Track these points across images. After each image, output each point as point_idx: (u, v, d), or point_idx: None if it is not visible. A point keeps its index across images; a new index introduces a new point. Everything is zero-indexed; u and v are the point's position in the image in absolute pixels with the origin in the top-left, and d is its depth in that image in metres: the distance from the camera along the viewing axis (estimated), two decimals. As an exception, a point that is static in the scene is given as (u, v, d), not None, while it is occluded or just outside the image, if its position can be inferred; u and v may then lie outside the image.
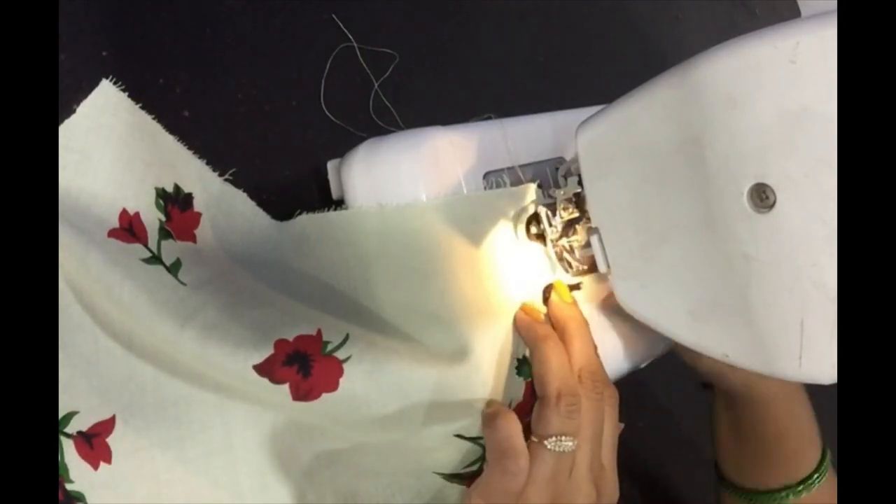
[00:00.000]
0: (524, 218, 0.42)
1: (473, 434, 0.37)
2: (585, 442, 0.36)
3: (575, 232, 0.40)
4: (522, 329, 0.39)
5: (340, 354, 0.35)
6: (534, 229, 0.42)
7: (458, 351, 0.37)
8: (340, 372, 0.35)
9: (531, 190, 0.41)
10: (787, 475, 0.47)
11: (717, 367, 0.45)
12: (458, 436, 0.38)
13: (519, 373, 0.39)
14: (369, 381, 0.35)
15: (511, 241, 0.41)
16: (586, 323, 0.40)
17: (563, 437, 0.35)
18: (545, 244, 0.41)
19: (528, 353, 0.39)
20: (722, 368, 0.45)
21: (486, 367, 0.37)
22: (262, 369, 0.34)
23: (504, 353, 0.39)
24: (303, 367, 0.35)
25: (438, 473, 0.39)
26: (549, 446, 0.35)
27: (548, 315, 0.40)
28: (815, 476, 0.46)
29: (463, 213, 0.39)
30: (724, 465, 0.51)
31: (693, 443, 0.69)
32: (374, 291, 0.40)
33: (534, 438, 0.35)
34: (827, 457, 0.47)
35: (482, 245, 0.40)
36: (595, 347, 0.39)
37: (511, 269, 0.40)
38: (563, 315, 0.40)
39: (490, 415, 0.35)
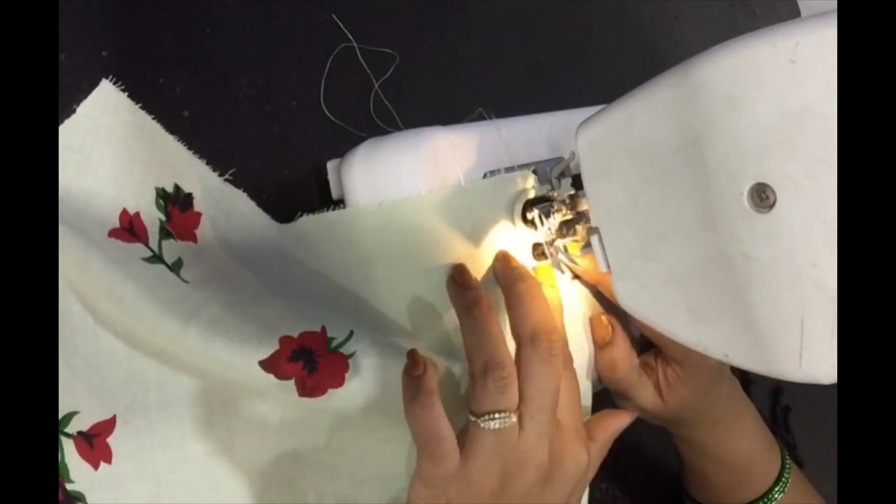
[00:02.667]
0: (519, 209, 0.41)
1: None
2: (537, 411, 0.34)
3: (574, 232, 0.40)
4: (451, 298, 0.37)
5: (346, 350, 0.35)
6: (529, 215, 0.41)
7: (459, 347, 0.37)
8: (346, 367, 0.35)
9: (528, 177, 0.41)
10: (737, 498, 0.45)
11: (639, 408, 0.43)
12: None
13: None
14: (374, 377, 0.35)
15: (510, 234, 0.41)
16: (537, 283, 0.38)
17: (496, 414, 0.33)
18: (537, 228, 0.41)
19: None
20: (646, 411, 0.43)
21: None
22: (267, 365, 0.34)
23: None
24: (308, 362, 0.35)
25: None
26: (482, 425, 0.33)
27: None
28: (775, 489, 0.44)
29: (461, 207, 0.39)
30: (683, 479, 0.51)
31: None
32: (376, 289, 0.40)
33: (470, 417, 0.34)
34: (787, 468, 0.45)
35: (481, 238, 0.40)
36: (551, 307, 0.37)
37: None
38: (505, 277, 0.38)
39: (407, 400, 0.33)
